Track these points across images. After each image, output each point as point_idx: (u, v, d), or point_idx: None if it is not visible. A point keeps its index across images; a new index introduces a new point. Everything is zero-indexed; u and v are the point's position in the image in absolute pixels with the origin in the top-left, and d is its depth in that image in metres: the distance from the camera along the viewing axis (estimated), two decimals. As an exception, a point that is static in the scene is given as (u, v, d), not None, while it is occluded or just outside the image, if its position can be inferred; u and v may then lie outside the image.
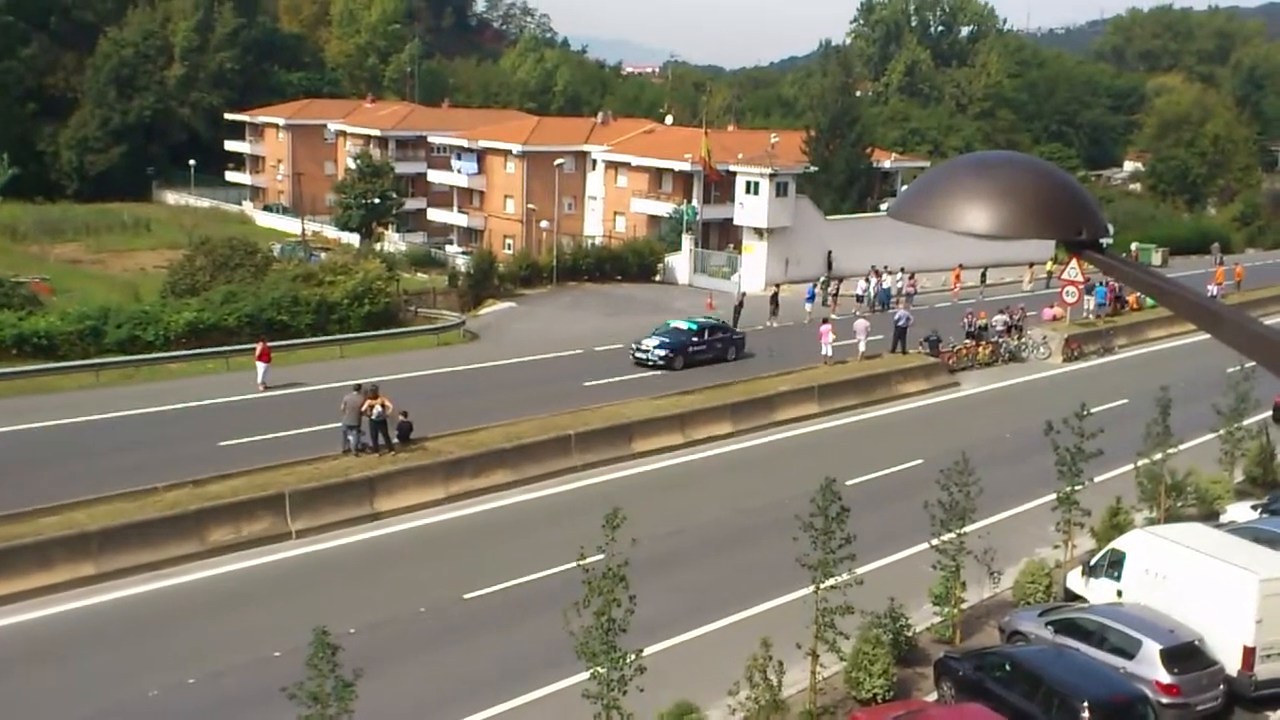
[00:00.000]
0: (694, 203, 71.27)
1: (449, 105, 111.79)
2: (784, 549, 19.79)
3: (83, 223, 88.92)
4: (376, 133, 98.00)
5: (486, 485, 29.07)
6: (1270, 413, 35.91)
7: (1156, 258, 76.98)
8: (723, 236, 70.92)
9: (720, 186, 70.36)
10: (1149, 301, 51.26)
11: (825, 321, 43.27)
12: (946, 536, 20.97)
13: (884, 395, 40.05)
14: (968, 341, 45.77)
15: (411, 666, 20.02)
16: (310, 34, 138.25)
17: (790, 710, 18.19)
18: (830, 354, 41.40)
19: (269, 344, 40.02)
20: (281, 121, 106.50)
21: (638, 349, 43.12)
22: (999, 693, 18.58)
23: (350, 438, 28.82)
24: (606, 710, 15.47)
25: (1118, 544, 22.97)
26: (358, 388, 29.49)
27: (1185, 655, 19.44)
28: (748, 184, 61.78)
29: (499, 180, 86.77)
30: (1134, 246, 77.16)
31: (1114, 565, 22.46)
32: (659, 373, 41.64)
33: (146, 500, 24.74)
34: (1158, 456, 26.40)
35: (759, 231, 62.02)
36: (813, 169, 72.84)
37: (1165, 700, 18.79)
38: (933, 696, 19.96)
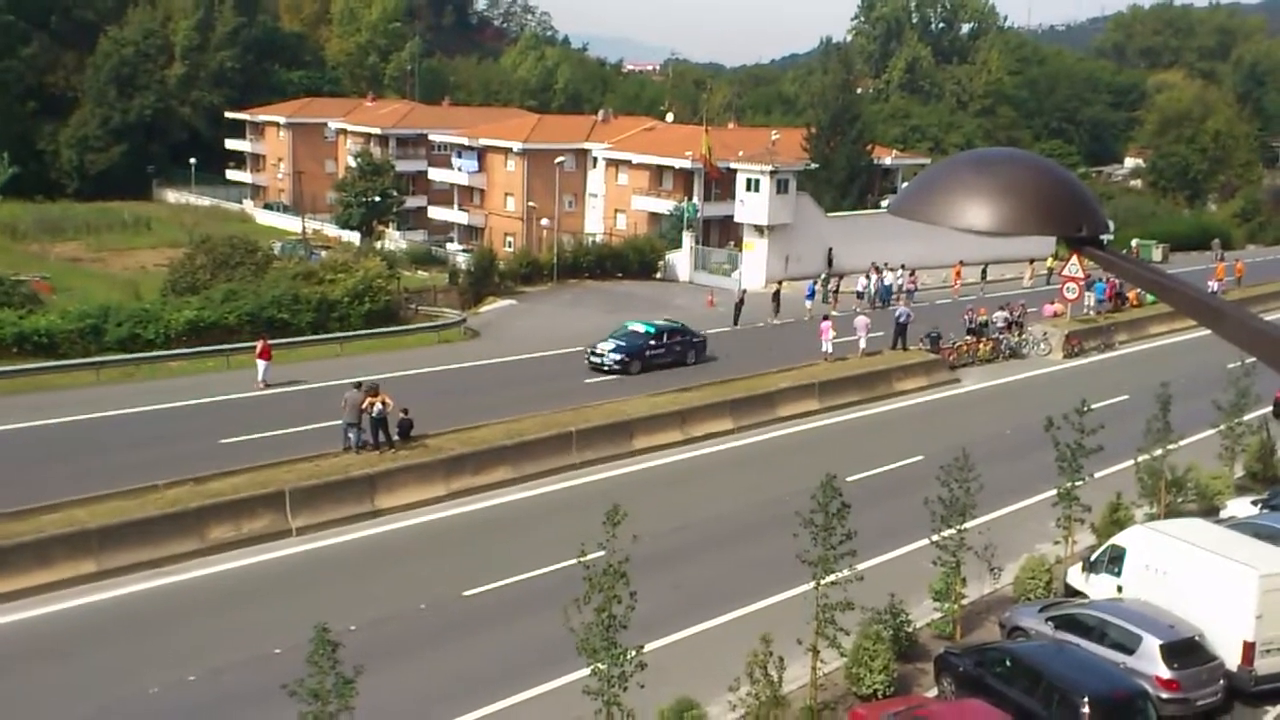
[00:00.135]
0: (695, 200, 71.28)
1: (449, 103, 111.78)
2: (785, 545, 19.79)
3: (83, 221, 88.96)
4: (377, 131, 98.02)
5: (487, 482, 29.08)
6: (1271, 408, 35.95)
7: (1157, 254, 76.97)
8: (723, 234, 70.91)
9: (721, 184, 70.36)
10: (1149, 298, 51.26)
11: (826, 318, 43.25)
12: (947, 532, 20.97)
13: (885, 392, 40.06)
14: (968, 338, 45.77)
15: (412, 663, 20.04)
16: (311, 32, 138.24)
17: (791, 706, 18.19)
18: (831, 351, 41.41)
19: (269, 342, 40.05)
20: (282, 120, 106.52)
21: (592, 353, 41.61)
22: (999, 688, 18.60)
23: (351, 435, 28.84)
24: (607, 706, 15.48)
25: (1118, 539, 22.98)
26: (358, 385, 29.52)
27: (1185, 650, 19.45)
28: (748, 181, 61.78)
29: (499, 178, 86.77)
30: (1134, 243, 77.12)
31: (1114, 561, 22.47)
32: (615, 378, 40.15)
33: (147, 498, 24.75)
34: (1158, 452, 26.40)
35: (760, 229, 62.01)
36: (813, 166, 72.83)
37: (1165, 695, 18.81)
38: (933, 692, 19.98)
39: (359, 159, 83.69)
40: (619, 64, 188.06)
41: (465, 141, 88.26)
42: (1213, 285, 57.89)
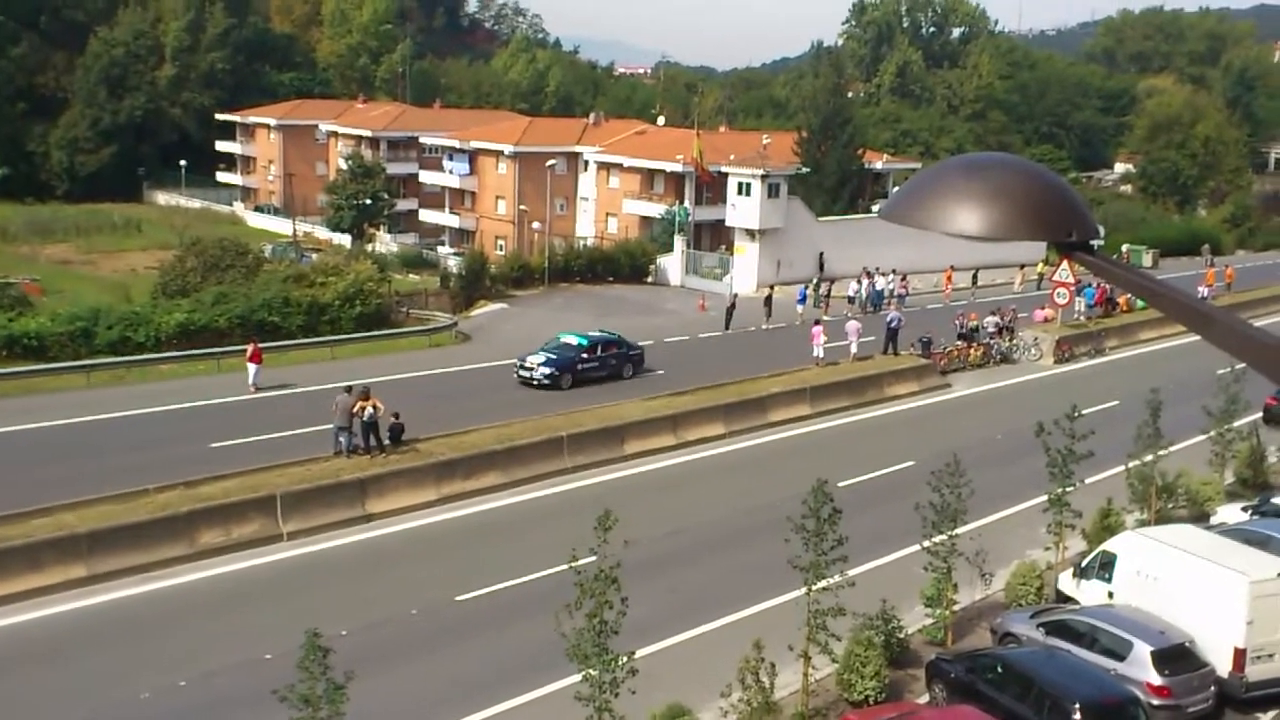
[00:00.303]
0: (686, 204, 71.28)
1: (441, 106, 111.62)
2: (776, 550, 19.79)
3: (73, 223, 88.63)
4: (368, 133, 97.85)
5: (479, 487, 29.05)
6: (1260, 414, 36.05)
7: (1147, 259, 77.21)
8: (715, 238, 70.93)
9: (712, 188, 70.34)
10: (1139, 303, 51.42)
11: (817, 323, 43.30)
12: (938, 538, 21.00)
13: (876, 397, 40.11)
14: (959, 343, 45.86)
15: (403, 669, 20.00)
16: (302, 34, 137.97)
17: (782, 712, 18.21)
18: (822, 355, 41.45)
19: (260, 345, 39.94)
20: (273, 122, 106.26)
21: (521, 366, 39.75)
22: (990, 694, 18.62)
23: (342, 439, 28.79)
24: (599, 712, 15.47)
25: (1109, 545, 23.03)
26: (348, 389, 29.46)
27: (1176, 657, 19.49)
28: (739, 185, 61.83)
29: (491, 181, 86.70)
30: (1125, 248, 77.28)
31: (1105, 567, 22.51)
32: (546, 393, 38.40)
33: (137, 502, 24.68)
34: (1149, 458, 26.48)
35: (751, 233, 62.07)
36: (804, 170, 72.90)
37: (1156, 702, 18.84)
38: (924, 698, 19.98)
39: (350, 161, 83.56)
40: (610, 67, 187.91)
41: (456, 144, 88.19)
42: (1203, 291, 58.08)
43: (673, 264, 64.76)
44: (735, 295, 54.25)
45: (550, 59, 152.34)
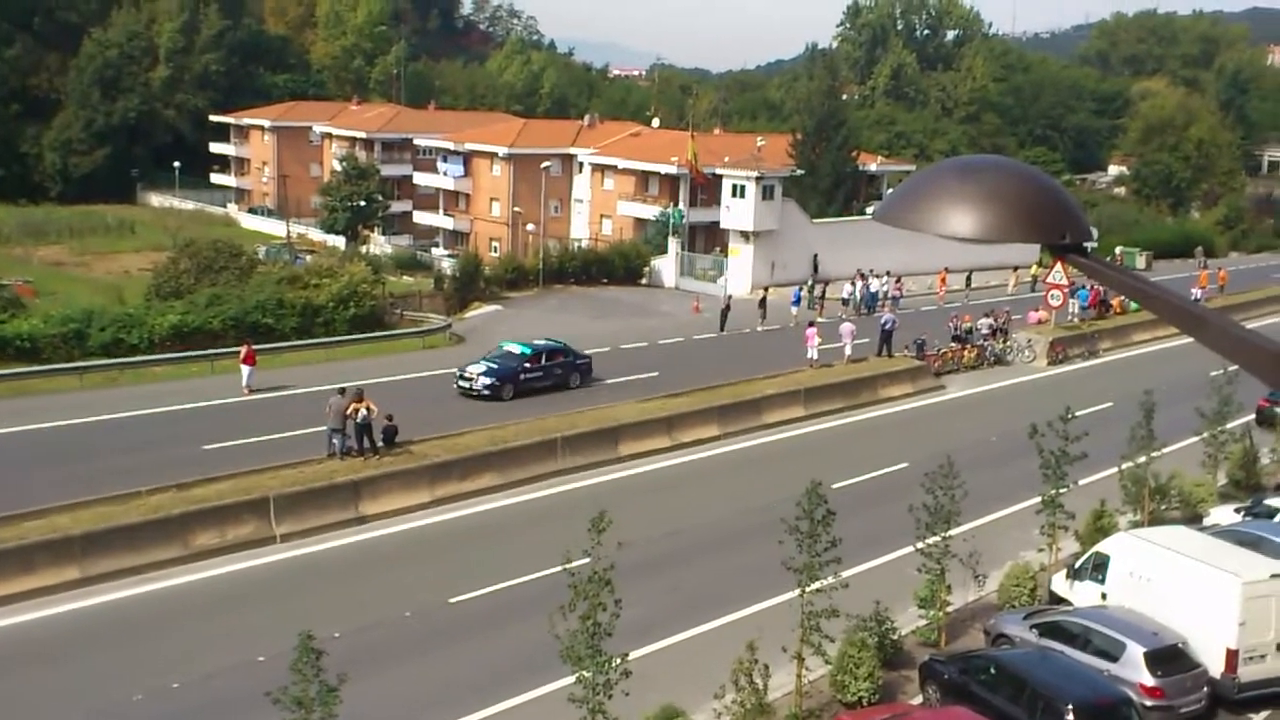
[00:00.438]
0: (680, 206, 71.31)
1: (435, 107, 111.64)
2: (770, 552, 19.80)
3: (66, 225, 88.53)
4: (362, 135, 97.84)
5: (472, 489, 29.03)
6: (1253, 416, 36.13)
7: (1140, 261, 77.32)
8: (709, 239, 70.96)
9: (706, 189, 70.34)
10: (1133, 305, 51.53)
11: (811, 325, 43.32)
12: (931, 540, 21.03)
13: (869, 398, 40.13)
14: (953, 345, 45.91)
15: (397, 671, 19.99)
16: (296, 36, 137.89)
17: (775, 714, 18.22)
18: (816, 357, 41.46)
19: (254, 347, 39.89)
20: (267, 123, 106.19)
21: (461, 376, 38.21)
22: (984, 696, 18.64)
23: (335, 441, 28.75)
24: (592, 714, 15.47)
25: (1102, 547, 23.06)
26: (342, 391, 29.43)
27: (1169, 658, 19.53)
28: (734, 187, 61.85)
29: (485, 183, 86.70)
30: (1118, 250, 77.43)
31: (1098, 568, 22.55)
32: (488, 404, 36.77)
33: (131, 504, 24.63)
34: (1142, 460, 26.51)
35: (745, 235, 62.09)
36: (799, 172, 72.94)
37: (1149, 703, 18.87)
38: (918, 700, 20.00)
39: (344, 163, 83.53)
40: (605, 69, 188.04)
41: (451, 146, 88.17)
42: (1196, 293, 58.24)
43: (667, 266, 64.78)
44: (730, 297, 54.27)
45: (545, 61, 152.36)
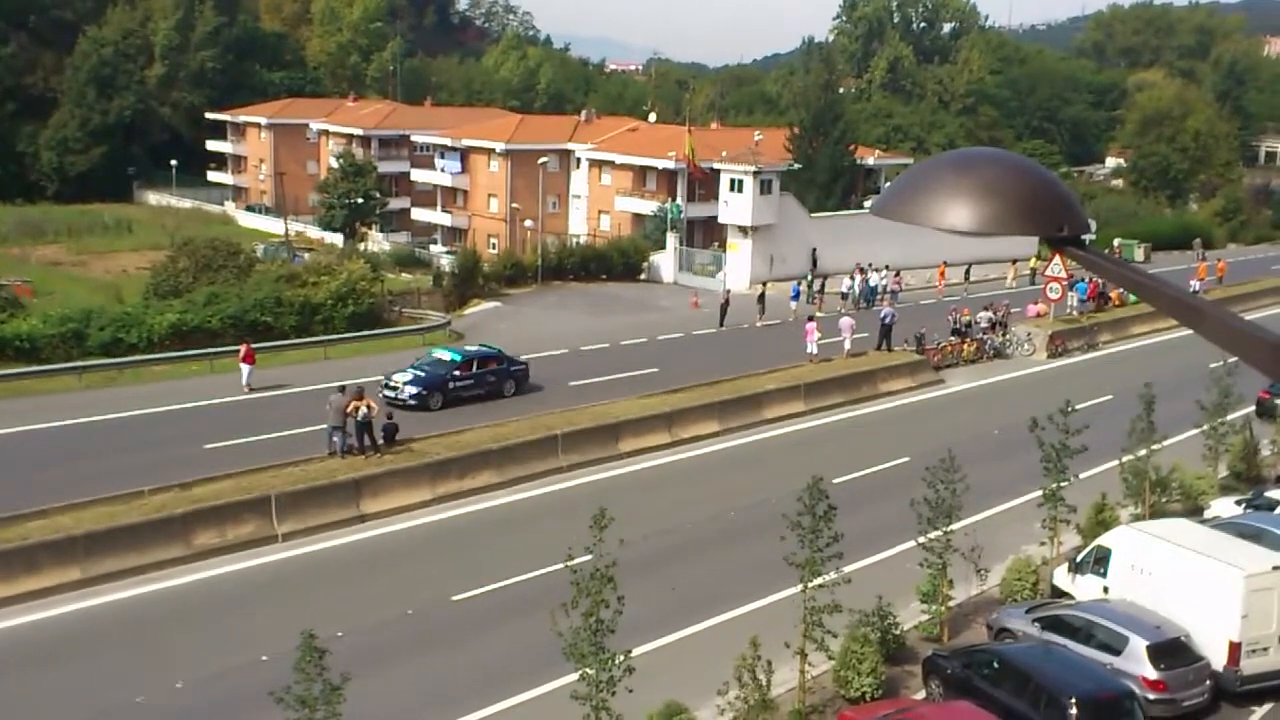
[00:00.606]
0: (678, 201, 71.28)
1: (432, 104, 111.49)
2: (772, 548, 19.82)
3: (63, 224, 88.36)
4: (359, 132, 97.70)
5: (473, 486, 29.03)
6: (1253, 408, 36.15)
7: (1139, 254, 77.29)
8: (707, 234, 70.93)
9: (704, 184, 70.36)
10: (1132, 298, 51.52)
11: (811, 319, 43.29)
12: (933, 534, 21.04)
13: (870, 393, 40.14)
14: (953, 339, 45.91)
15: (400, 669, 19.99)
16: (292, 32, 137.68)
17: (779, 709, 18.22)
18: (816, 352, 41.44)
19: (253, 346, 39.87)
20: (263, 121, 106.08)
21: (387, 384, 36.11)
22: (987, 690, 18.66)
23: (335, 439, 28.74)
24: (595, 711, 15.48)
25: (1103, 540, 23.08)
26: (342, 389, 29.42)
27: (1171, 651, 19.56)
28: (732, 182, 61.78)
29: (483, 179, 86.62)
30: (1116, 242, 77.43)
31: (1100, 562, 22.57)
32: (418, 414, 34.57)
33: (132, 504, 24.63)
34: (1142, 452, 26.52)
35: (743, 229, 62.02)
36: (797, 166, 72.92)
37: (1152, 696, 18.90)
38: (921, 695, 20.03)
39: (341, 160, 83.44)
40: (601, 64, 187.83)
41: (448, 142, 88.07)
42: (1194, 285, 58.18)
43: (666, 261, 64.73)
44: (729, 292, 54.23)
45: (541, 56, 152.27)
